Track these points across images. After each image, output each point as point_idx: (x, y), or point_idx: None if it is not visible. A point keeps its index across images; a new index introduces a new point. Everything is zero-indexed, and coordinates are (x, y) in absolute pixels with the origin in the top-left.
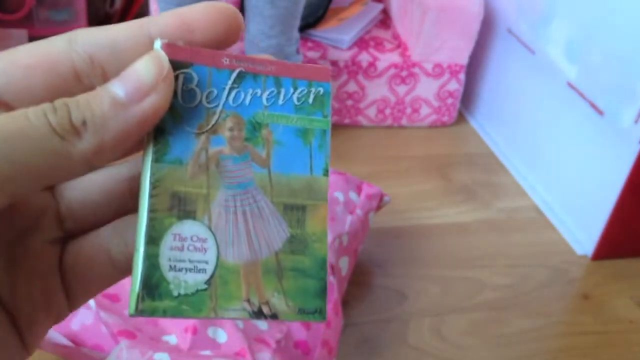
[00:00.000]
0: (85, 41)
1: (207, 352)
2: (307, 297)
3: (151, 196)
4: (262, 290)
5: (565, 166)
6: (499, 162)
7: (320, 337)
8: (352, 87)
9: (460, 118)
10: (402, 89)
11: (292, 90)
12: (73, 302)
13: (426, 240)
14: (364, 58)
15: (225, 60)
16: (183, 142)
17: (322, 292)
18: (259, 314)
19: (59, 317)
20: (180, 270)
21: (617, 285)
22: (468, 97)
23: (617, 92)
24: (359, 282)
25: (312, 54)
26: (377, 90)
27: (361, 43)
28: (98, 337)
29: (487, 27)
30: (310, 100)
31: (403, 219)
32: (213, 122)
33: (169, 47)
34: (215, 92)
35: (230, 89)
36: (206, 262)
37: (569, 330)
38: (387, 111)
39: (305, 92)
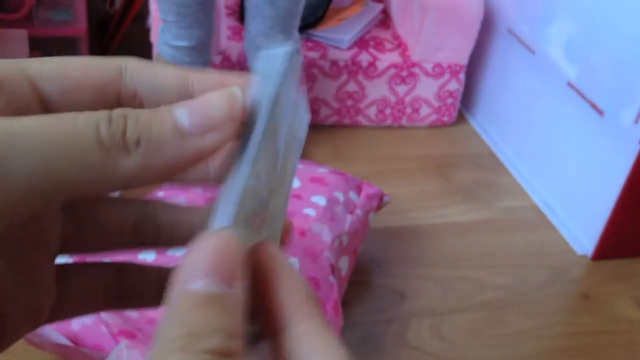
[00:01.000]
0: (133, 74)
1: None
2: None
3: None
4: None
5: (565, 166)
6: (499, 162)
7: None
8: (352, 87)
9: (460, 118)
10: (402, 89)
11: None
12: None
13: (426, 240)
14: (364, 58)
15: None
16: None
17: None
18: None
19: (38, 324)
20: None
21: (617, 285)
22: (468, 97)
23: (617, 92)
24: (359, 282)
25: (312, 54)
26: (377, 90)
27: (361, 43)
28: (98, 337)
29: (487, 27)
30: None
31: (403, 219)
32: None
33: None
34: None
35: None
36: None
37: (569, 330)
38: (387, 111)
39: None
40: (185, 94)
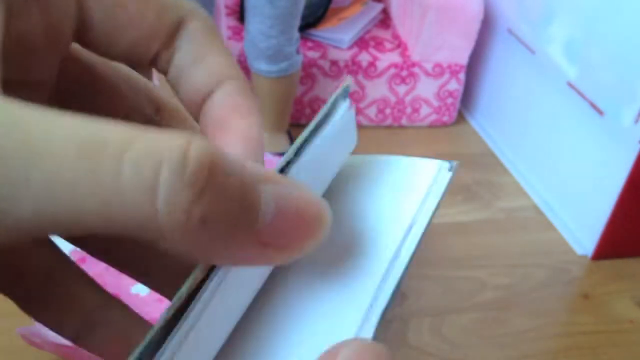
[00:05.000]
0: (182, 53)
1: None
2: None
3: None
4: None
5: (566, 166)
6: (499, 162)
7: None
8: (352, 86)
9: (460, 118)
10: (402, 89)
11: None
12: None
13: (426, 240)
14: (364, 58)
15: None
16: None
17: None
18: None
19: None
20: None
21: (617, 285)
22: (468, 97)
23: (617, 92)
24: None
25: (312, 54)
26: (377, 90)
27: (361, 43)
28: None
29: (487, 27)
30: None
31: None
32: None
33: None
34: None
35: None
36: None
37: (569, 330)
38: (387, 111)
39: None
40: (202, 96)
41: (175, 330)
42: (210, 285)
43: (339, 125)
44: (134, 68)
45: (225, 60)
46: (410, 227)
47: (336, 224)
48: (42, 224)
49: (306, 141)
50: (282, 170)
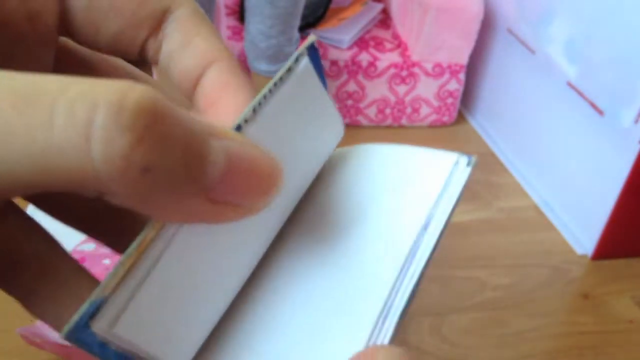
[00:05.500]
0: (168, 45)
1: None
2: None
3: None
4: None
5: (566, 166)
6: (499, 162)
7: None
8: (352, 87)
9: (460, 118)
10: (402, 89)
11: None
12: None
13: None
14: (364, 58)
15: None
16: None
17: None
18: None
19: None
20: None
21: (617, 285)
22: (468, 97)
23: (617, 92)
24: None
25: None
26: (377, 90)
27: (361, 43)
28: None
29: (487, 27)
30: None
31: None
32: None
33: None
34: None
35: None
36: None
37: (569, 330)
38: (387, 111)
39: None
40: (194, 80)
41: (119, 287)
42: (159, 242)
43: (299, 81)
44: (125, 59)
45: (213, 42)
46: (426, 226)
47: (347, 220)
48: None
49: (264, 98)
50: (239, 128)
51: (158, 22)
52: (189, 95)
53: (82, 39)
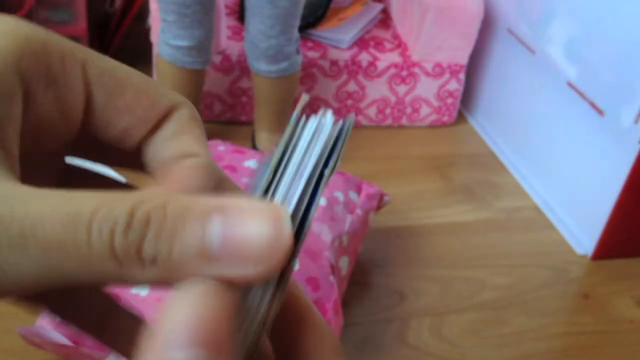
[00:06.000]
0: (170, 134)
1: None
2: None
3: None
4: None
5: (566, 166)
6: (499, 162)
7: None
8: (352, 87)
9: (460, 118)
10: (402, 89)
11: None
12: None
13: (426, 240)
14: (364, 58)
15: None
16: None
17: None
18: None
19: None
20: None
21: (617, 285)
22: (468, 97)
23: (617, 92)
24: (359, 282)
25: (312, 54)
26: (377, 90)
27: (361, 43)
28: None
29: (487, 27)
30: None
31: (403, 219)
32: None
33: None
34: None
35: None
36: None
37: (569, 330)
38: (387, 111)
39: None
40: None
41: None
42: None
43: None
44: (122, 153)
45: (195, 142)
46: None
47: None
48: (40, 281)
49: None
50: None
51: (161, 119)
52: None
53: (95, 130)
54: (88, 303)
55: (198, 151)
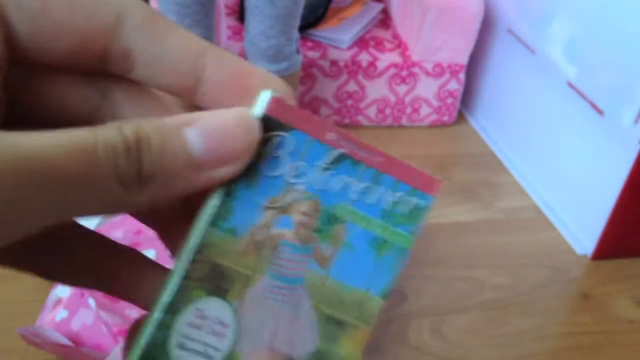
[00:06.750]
0: (133, 32)
1: None
2: None
3: (192, 261)
4: None
5: (565, 166)
6: (499, 162)
7: None
8: (352, 86)
9: (460, 118)
10: (402, 89)
11: (389, 192)
12: None
13: (426, 240)
14: (364, 58)
15: (331, 136)
16: (247, 212)
17: None
18: None
19: None
20: (188, 350)
21: (617, 285)
22: (468, 97)
23: (617, 92)
24: None
25: (312, 54)
26: (377, 90)
27: (361, 43)
28: (98, 336)
29: (487, 27)
30: (405, 210)
31: None
32: (288, 199)
33: (276, 103)
34: (305, 166)
35: (322, 169)
36: (217, 350)
37: (569, 330)
38: (387, 111)
39: (403, 199)
40: (192, 76)
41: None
42: None
43: None
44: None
45: (189, 37)
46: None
47: None
48: (48, 215)
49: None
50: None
51: (112, 31)
52: (190, 95)
53: (34, 60)
54: (79, 252)
55: (203, 46)
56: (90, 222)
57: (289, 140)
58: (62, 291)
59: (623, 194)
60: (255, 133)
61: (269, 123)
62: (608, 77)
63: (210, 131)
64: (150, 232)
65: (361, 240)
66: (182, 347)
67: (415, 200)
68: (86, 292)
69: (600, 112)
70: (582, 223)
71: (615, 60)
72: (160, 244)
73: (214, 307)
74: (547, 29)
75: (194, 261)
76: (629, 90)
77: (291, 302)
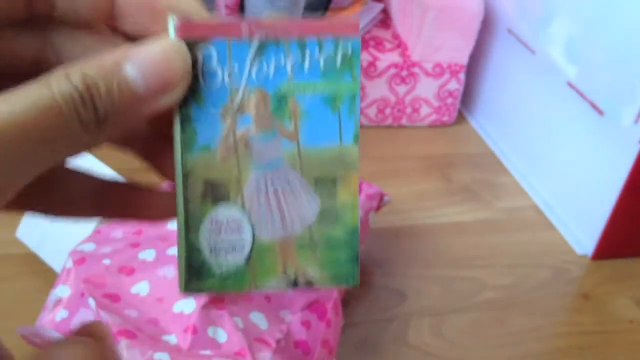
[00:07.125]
0: None
1: (207, 352)
2: (339, 264)
3: (185, 187)
4: (297, 262)
5: (565, 166)
6: (499, 162)
7: (320, 337)
8: None
9: (460, 118)
10: (402, 89)
11: (317, 52)
12: None
13: (426, 240)
14: (364, 58)
15: (244, 29)
16: (210, 126)
17: (354, 259)
18: (295, 284)
19: None
20: (220, 251)
21: (617, 285)
22: (468, 97)
23: (617, 92)
24: (359, 282)
25: None
26: (377, 90)
27: (361, 43)
28: None
29: (487, 27)
30: (338, 62)
31: (403, 219)
32: (238, 100)
33: (185, 27)
34: (237, 66)
35: (252, 62)
36: (243, 241)
37: (569, 330)
38: (387, 111)
39: (332, 53)
40: (105, 1)
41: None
42: None
43: None
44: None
45: None
46: None
47: None
48: (35, 168)
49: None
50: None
51: None
52: (106, 17)
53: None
54: (73, 185)
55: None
56: (89, 223)
57: (211, 51)
58: (62, 291)
59: (623, 194)
60: (185, 59)
61: (188, 44)
62: (608, 77)
63: (145, 66)
64: (150, 232)
65: (314, 104)
66: (214, 251)
67: (342, 47)
68: (86, 292)
69: (600, 112)
70: (582, 223)
71: (615, 60)
72: (160, 244)
73: (223, 212)
74: (547, 29)
75: (187, 186)
76: (629, 91)
77: (281, 181)
